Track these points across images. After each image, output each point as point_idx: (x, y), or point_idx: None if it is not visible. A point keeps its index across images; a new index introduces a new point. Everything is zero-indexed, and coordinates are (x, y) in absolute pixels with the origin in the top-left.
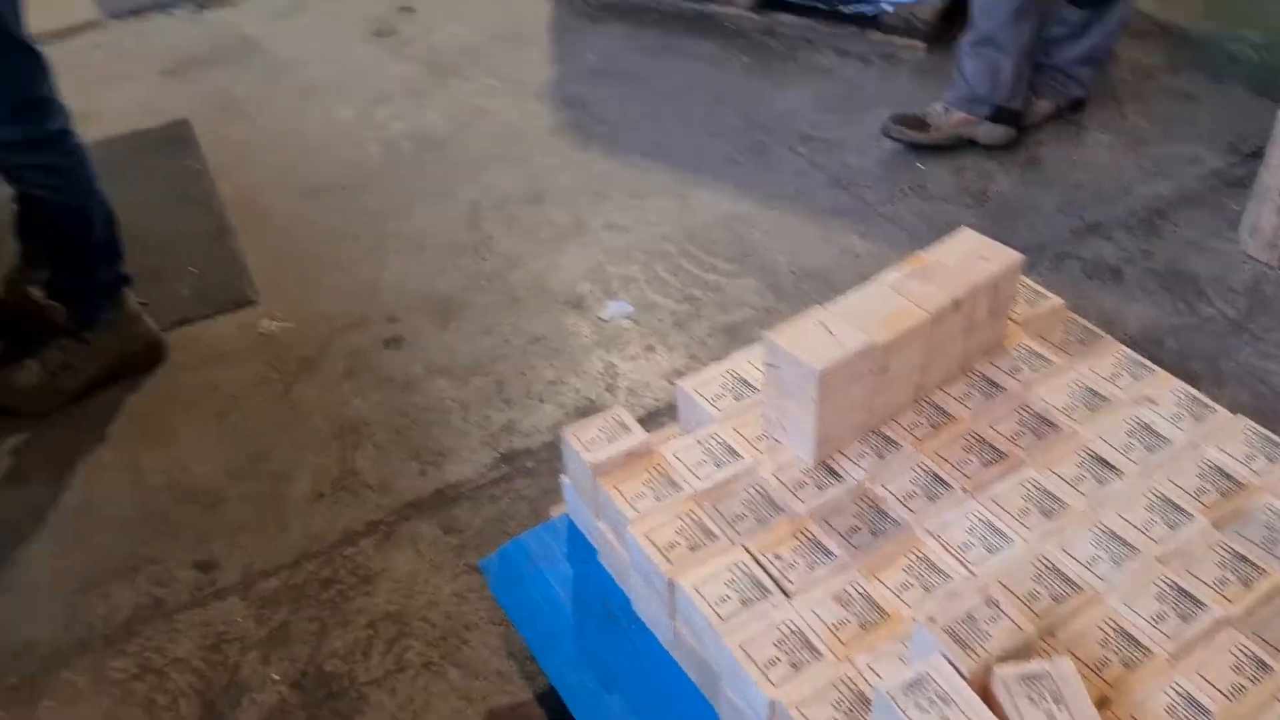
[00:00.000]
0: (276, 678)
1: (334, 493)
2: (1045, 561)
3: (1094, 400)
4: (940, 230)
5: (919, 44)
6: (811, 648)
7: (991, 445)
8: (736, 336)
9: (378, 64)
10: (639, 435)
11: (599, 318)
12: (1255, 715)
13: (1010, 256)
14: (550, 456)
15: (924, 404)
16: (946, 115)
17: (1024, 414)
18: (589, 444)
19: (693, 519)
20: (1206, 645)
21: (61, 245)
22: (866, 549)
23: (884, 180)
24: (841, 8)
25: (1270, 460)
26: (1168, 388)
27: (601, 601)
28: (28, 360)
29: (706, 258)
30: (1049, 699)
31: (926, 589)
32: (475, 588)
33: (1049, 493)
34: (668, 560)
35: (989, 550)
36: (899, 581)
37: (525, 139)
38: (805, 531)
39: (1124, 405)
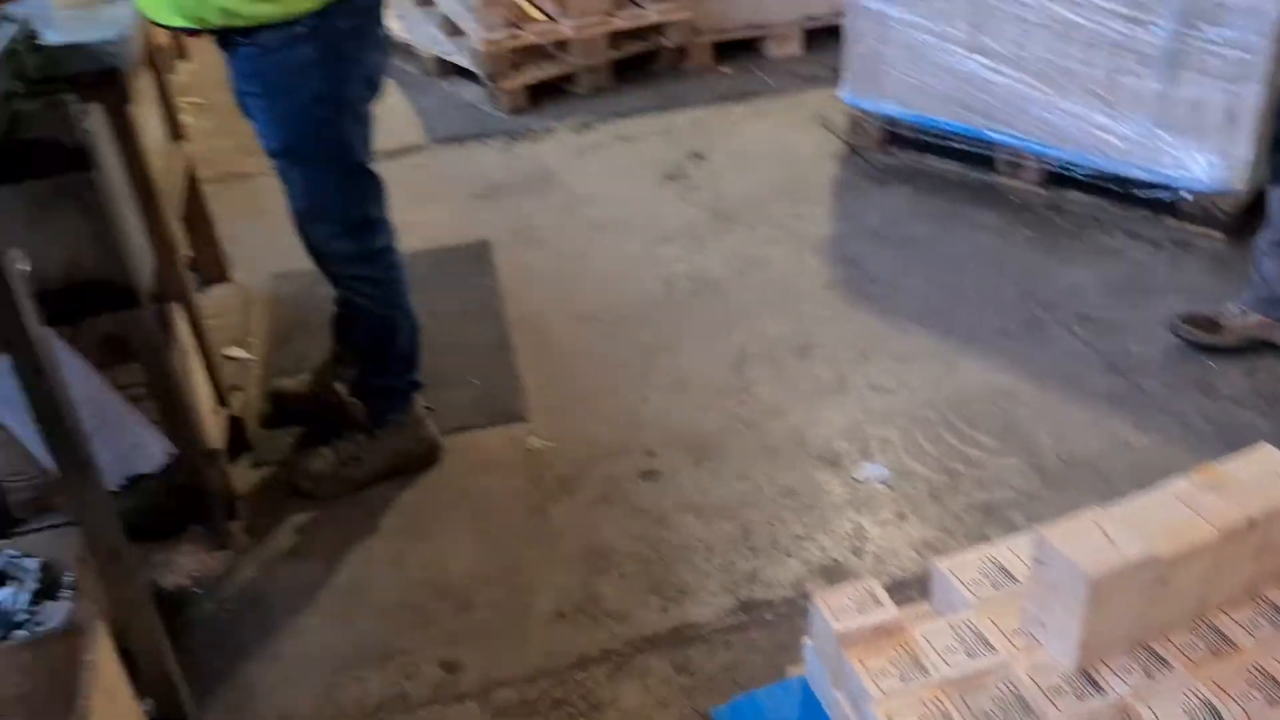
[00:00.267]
0: None
1: (574, 614)
2: None
3: None
4: (1226, 433)
5: (1217, 234)
6: None
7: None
8: (994, 516)
9: (666, 205)
10: (890, 610)
11: (853, 478)
12: None
13: None
14: (790, 612)
15: (1203, 625)
16: (1242, 317)
17: None
18: (838, 612)
19: (938, 706)
20: None
21: (370, 350)
22: None
23: (1167, 372)
24: (1136, 191)
25: None
26: None
27: None
28: (323, 448)
29: (968, 430)
30: None
31: None
32: None
33: None
34: None
35: None
36: None
37: (799, 291)
38: None
39: None
